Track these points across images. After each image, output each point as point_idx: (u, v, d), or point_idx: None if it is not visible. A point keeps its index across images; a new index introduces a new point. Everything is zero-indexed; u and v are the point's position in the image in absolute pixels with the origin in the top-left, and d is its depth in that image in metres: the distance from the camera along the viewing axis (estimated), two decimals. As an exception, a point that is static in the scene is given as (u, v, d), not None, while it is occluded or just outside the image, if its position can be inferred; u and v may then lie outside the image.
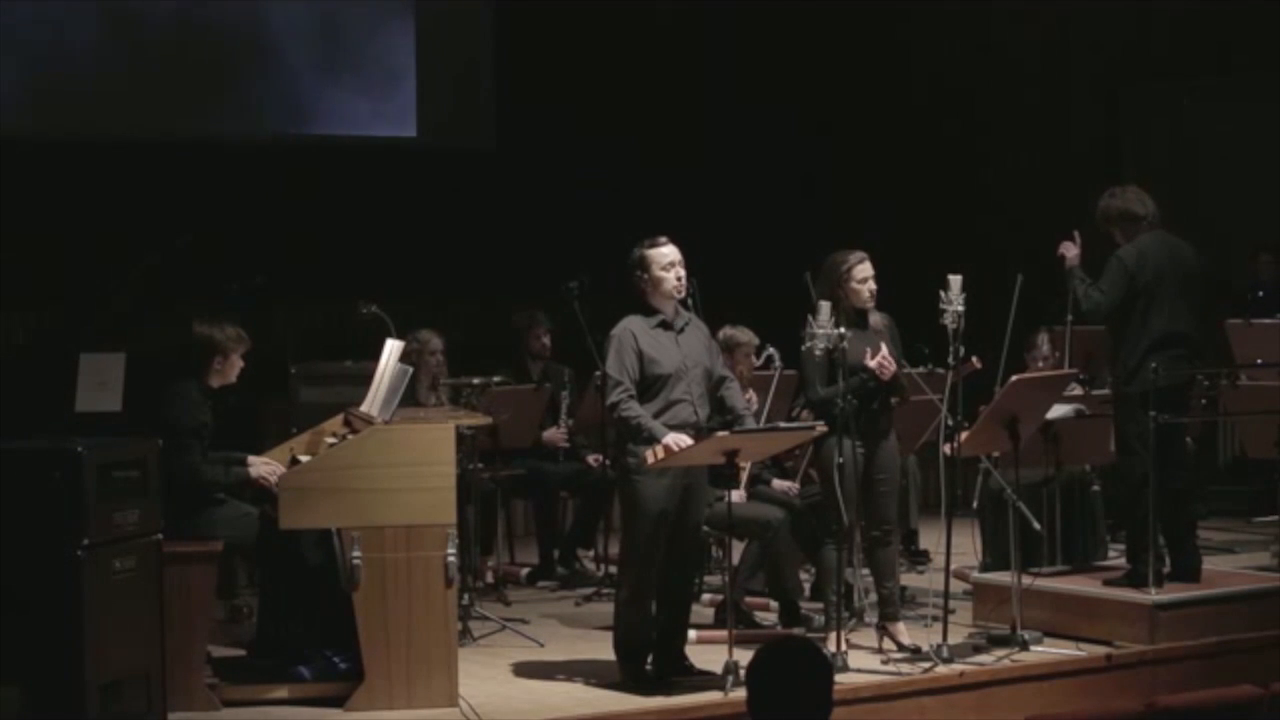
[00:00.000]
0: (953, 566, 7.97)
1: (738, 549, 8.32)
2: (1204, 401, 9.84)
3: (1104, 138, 14.33)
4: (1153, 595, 7.97)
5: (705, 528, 7.84)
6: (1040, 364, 9.39)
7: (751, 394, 8.67)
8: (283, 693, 7.15)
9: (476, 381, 9.21)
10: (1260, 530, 10.49)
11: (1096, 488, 9.22)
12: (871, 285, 7.73)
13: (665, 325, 7.33)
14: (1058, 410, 8.52)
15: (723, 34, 14.19)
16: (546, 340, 10.04)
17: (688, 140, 13.83)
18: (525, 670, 7.67)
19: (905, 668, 7.52)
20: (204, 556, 7.15)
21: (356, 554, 6.97)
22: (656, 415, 7.18)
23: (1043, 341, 9.44)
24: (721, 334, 8.59)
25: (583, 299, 9.11)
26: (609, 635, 7.49)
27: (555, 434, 9.92)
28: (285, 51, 13.23)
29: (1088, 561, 8.96)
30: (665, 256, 7.33)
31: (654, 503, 7.20)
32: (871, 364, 7.57)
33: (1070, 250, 8.25)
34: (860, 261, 7.74)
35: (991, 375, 8.37)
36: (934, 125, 14.42)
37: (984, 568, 8.74)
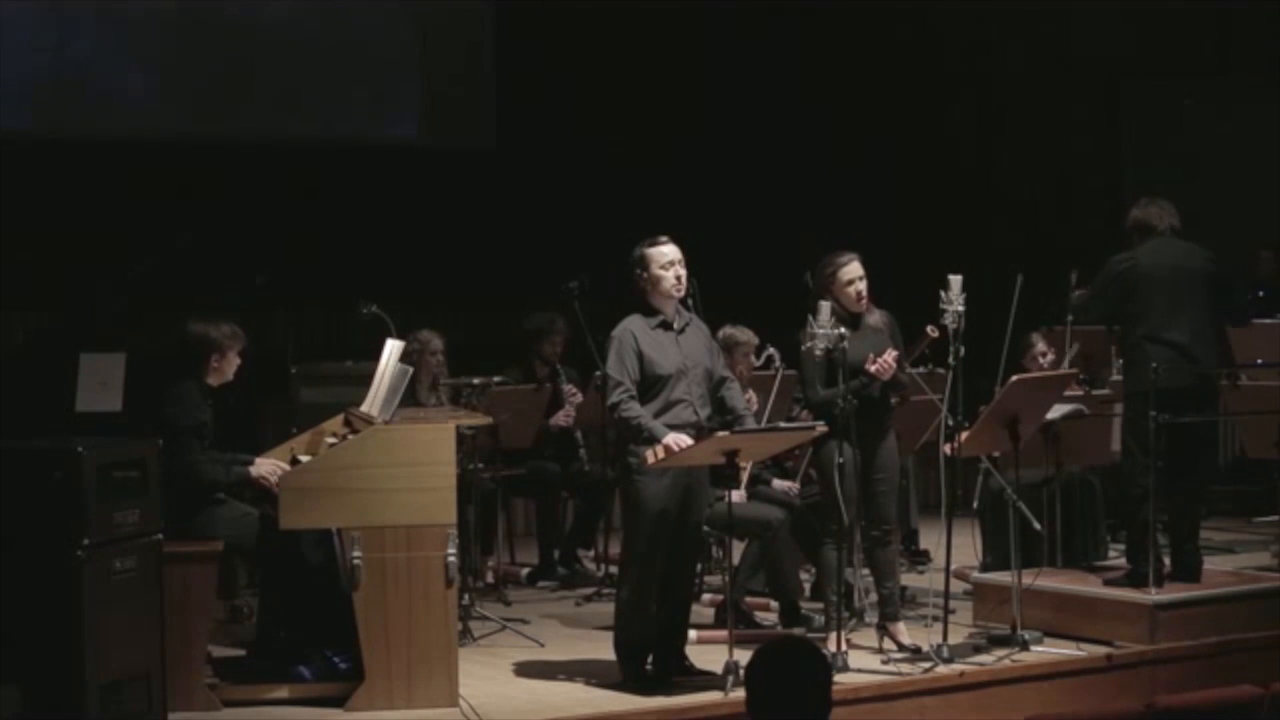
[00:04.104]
0: (953, 566, 7.98)
1: (738, 549, 8.32)
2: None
3: (1104, 138, 14.34)
4: (1153, 595, 7.97)
5: (705, 528, 7.84)
6: (1040, 361, 9.40)
7: (751, 394, 8.67)
8: (283, 693, 7.15)
9: (476, 381, 9.21)
10: (1260, 530, 10.50)
11: (1097, 487, 9.22)
12: (859, 287, 7.68)
13: (666, 326, 7.34)
14: (1058, 410, 8.53)
15: (723, 33, 14.19)
16: (560, 347, 10.00)
17: (688, 140, 13.83)
18: (525, 670, 7.67)
19: (905, 668, 7.52)
20: (204, 556, 7.15)
21: (356, 554, 6.97)
22: (657, 415, 7.18)
23: (1036, 341, 9.46)
24: (721, 334, 8.59)
25: (583, 299, 9.11)
26: (609, 635, 7.49)
27: (560, 416, 9.85)
28: (285, 51, 13.22)
29: (1088, 561, 8.96)
30: (664, 255, 7.33)
31: (655, 502, 7.21)
32: (871, 368, 7.56)
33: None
34: (848, 263, 7.71)
35: (991, 375, 8.38)
36: (935, 125, 14.42)
37: (984, 568, 8.74)
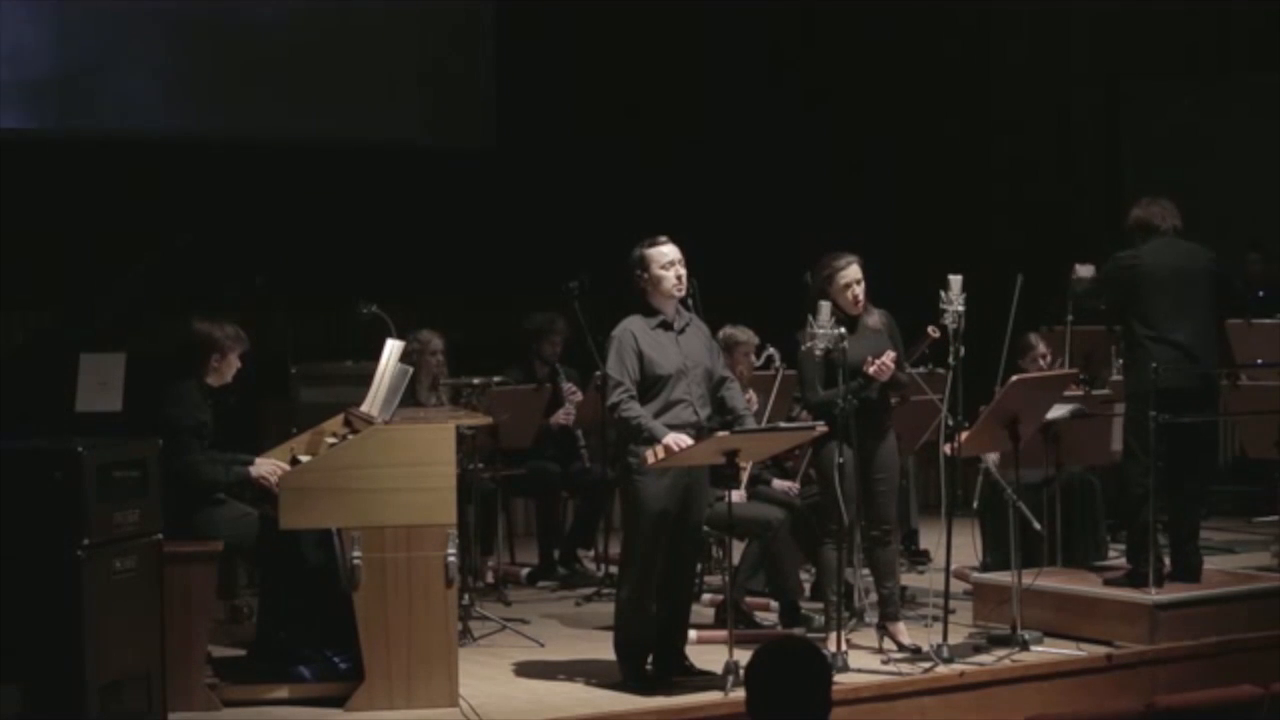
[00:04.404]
0: (953, 566, 7.98)
1: (738, 549, 8.32)
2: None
3: (1104, 136, 14.33)
4: (1153, 595, 7.97)
5: (705, 528, 7.84)
6: (1042, 363, 9.39)
7: (751, 394, 8.67)
8: (283, 693, 7.15)
9: (476, 381, 9.21)
10: (1260, 530, 10.50)
11: (1097, 487, 9.23)
12: (856, 291, 7.67)
13: (666, 326, 7.34)
14: (1057, 410, 8.53)
15: (723, 33, 14.18)
16: (559, 347, 10.01)
17: (688, 140, 13.83)
18: (525, 670, 7.67)
19: (905, 668, 7.52)
20: (204, 556, 7.16)
21: (356, 554, 6.98)
22: (657, 415, 7.18)
23: (1036, 343, 9.46)
24: (721, 334, 8.59)
25: (583, 299, 9.11)
26: (609, 635, 7.49)
27: (560, 414, 9.85)
28: (286, 51, 13.21)
29: (1088, 561, 8.96)
30: (665, 255, 7.34)
31: (655, 502, 7.21)
32: (869, 370, 7.56)
33: (1084, 269, 8.43)
34: (846, 266, 7.69)
35: (991, 375, 8.38)
36: (935, 125, 14.42)
37: (984, 568, 8.74)
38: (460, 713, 6.93)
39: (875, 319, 7.79)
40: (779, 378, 9.23)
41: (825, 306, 7.46)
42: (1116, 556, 9.13)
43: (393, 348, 7.68)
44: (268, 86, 13.15)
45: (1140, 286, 8.12)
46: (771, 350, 9.28)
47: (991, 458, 8.96)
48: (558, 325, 9.95)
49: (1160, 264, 8.14)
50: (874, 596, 8.12)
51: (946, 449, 7.83)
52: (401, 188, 13.20)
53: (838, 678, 6.86)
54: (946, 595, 7.76)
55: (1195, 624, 8.01)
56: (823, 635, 7.68)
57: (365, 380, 7.80)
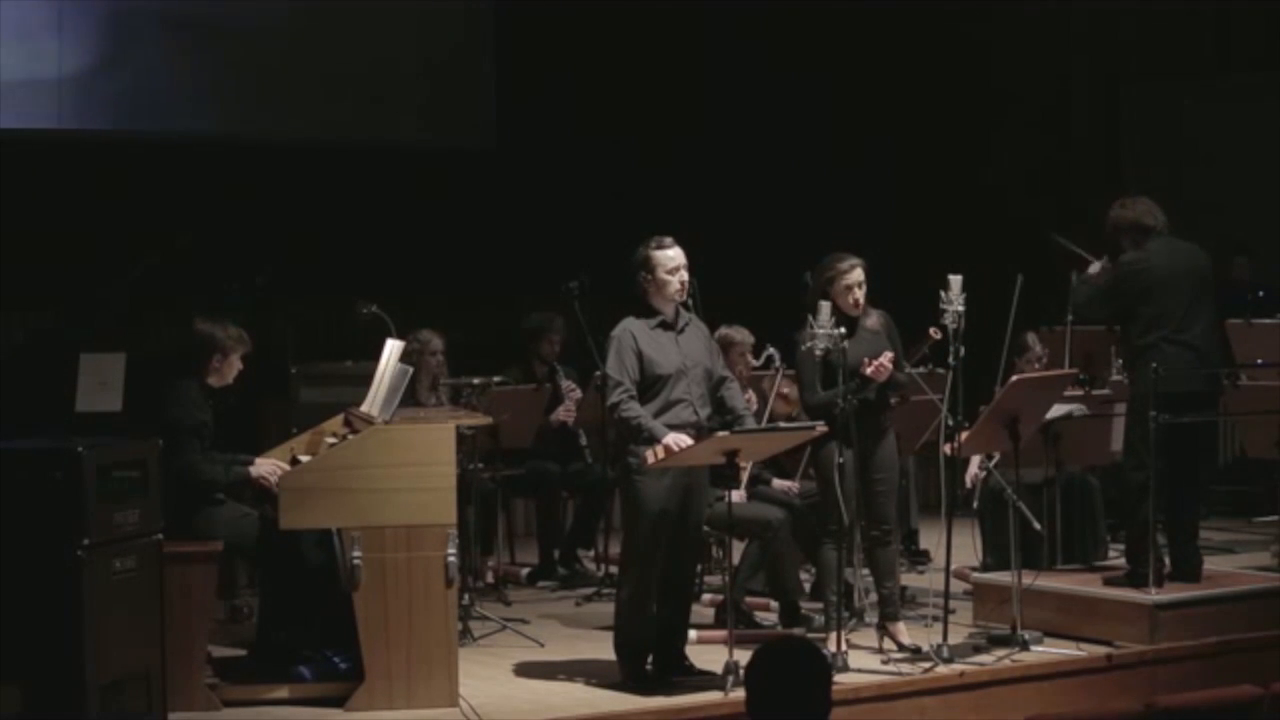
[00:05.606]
0: (953, 566, 7.98)
1: (738, 549, 8.32)
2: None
3: (1104, 137, 14.33)
4: (1153, 595, 7.97)
5: (705, 528, 7.84)
6: (1037, 365, 9.39)
7: (751, 394, 8.67)
8: (283, 693, 7.15)
9: (476, 381, 9.21)
10: (1260, 530, 10.50)
11: (1097, 487, 9.23)
12: (857, 295, 7.67)
13: (665, 326, 7.34)
14: (1057, 410, 8.53)
15: (723, 33, 14.19)
16: (558, 346, 10.01)
17: (688, 140, 13.83)
18: (525, 670, 7.67)
19: (905, 668, 7.52)
20: (204, 556, 7.16)
21: (356, 554, 6.98)
22: (656, 415, 7.18)
23: (1033, 343, 9.46)
24: (717, 334, 8.58)
25: (583, 299, 9.11)
26: (609, 635, 7.50)
27: (561, 411, 9.85)
28: (285, 51, 13.22)
29: (1088, 561, 8.96)
30: (671, 260, 7.33)
31: (655, 502, 7.21)
32: (867, 371, 7.55)
33: (1094, 266, 8.40)
34: (850, 270, 7.69)
35: (992, 375, 8.37)
36: (934, 125, 14.42)
37: (984, 568, 8.74)
38: (460, 713, 6.94)
39: (873, 320, 7.78)
40: (778, 378, 9.23)
41: (825, 307, 7.46)
42: (1116, 556, 9.13)
43: (393, 348, 7.68)
44: (267, 86, 13.15)
45: (1151, 289, 8.09)
46: (772, 350, 9.28)
47: (976, 460, 8.97)
48: (555, 325, 9.95)
49: (1168, 265, 8.10)
50: (874, 596, 8.12)
51: (946, 449, 7.83)
52: (401, 188, 13.20)
53: (838, 678, 6.86)
54: (946, 595, 7.76)
55: (1195, 624, 8.01)
56: (823, 635, 7.68)
57: (365, 380, 7.80)
